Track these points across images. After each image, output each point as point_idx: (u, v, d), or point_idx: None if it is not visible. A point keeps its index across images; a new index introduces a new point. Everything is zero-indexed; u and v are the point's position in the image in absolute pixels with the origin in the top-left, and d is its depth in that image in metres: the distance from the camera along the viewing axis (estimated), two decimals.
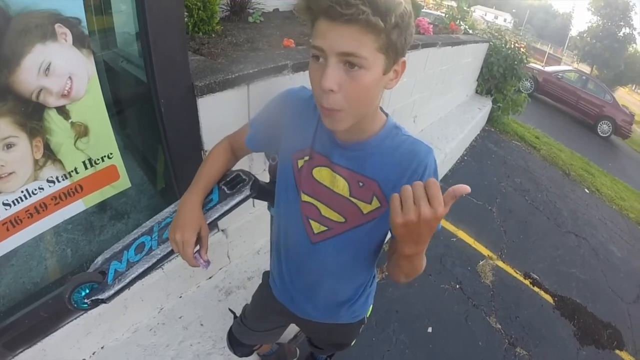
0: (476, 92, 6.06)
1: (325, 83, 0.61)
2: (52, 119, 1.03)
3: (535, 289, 3.03)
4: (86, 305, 0.87)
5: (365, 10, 0.56)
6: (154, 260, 0.89)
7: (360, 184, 0.79)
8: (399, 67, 0.69)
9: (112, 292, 0.86)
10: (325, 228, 0.86)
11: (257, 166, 1.84)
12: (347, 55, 0.60)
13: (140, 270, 0.88)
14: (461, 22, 5.21)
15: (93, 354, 1.51)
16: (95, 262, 0.94)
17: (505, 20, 37.14)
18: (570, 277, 3.33)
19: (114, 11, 1.47)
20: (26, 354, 1.30)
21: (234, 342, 1.32)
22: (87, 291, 0.87)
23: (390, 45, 0.62)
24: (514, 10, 43.79)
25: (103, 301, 0.87)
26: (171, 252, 0.90)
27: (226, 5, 2.61)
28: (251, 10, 2.73)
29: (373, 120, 0.77)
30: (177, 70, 1.31)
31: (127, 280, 0.87)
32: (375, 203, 0.79)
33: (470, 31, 5.27)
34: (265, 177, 1.06)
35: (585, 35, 24.69)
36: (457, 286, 2.74)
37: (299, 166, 0.85)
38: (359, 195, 0.80)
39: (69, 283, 0.85)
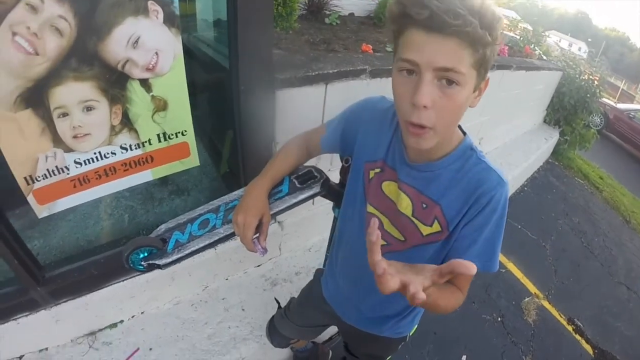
0: (544, 121, 5.75)
1: (420, 99, 0.57)
2: (134, 89, 1.08)
3: (577, 336, 2.83)
4: (142, 267, 0.91)
5: (473, 22, 0.52)
6: (216, 238, 0.92)
7: (424, 205, 0.75)
8: (484, 84, 0.65)
9: (169, 260, 0.89)
10: (385, 243, 0.84)
11: (322, 166, 1.83)
12: (446, 71, 0.56)
13: (201, 245, 0.91)
14: (536, 47, 4.99)
15: (132, 317, 1.57)
16: (158, 229, 0.98)
17: (579, 49, 35.08)
18: (615, 331, 3.09)
19: None
20: (69, 305, 1.37)
21: (273, 331, 1.33)
22: (146, 254, 0.91)
23: (483, 62, 0.58)
24: (589, 40, 41.48)
25: (159, 267, 0.90)
26: (233, 234, 0.91)
27: (304, 4, 2.65)
28: (328, 12, 2.75)
29: (450, 139, 0.72)
30: (260, 59, 1.32)
31: (187, 252, 0.90)
32: (436, 227, 0.75)
33: (545, 57, 5.03)
34: (330, 177, 1.06)
35: None
36: (499, 319, 2.63)
37: (370, 177, 0.84)
38: (421, 217, 0.77)
39: (130, 243, 0.89)
